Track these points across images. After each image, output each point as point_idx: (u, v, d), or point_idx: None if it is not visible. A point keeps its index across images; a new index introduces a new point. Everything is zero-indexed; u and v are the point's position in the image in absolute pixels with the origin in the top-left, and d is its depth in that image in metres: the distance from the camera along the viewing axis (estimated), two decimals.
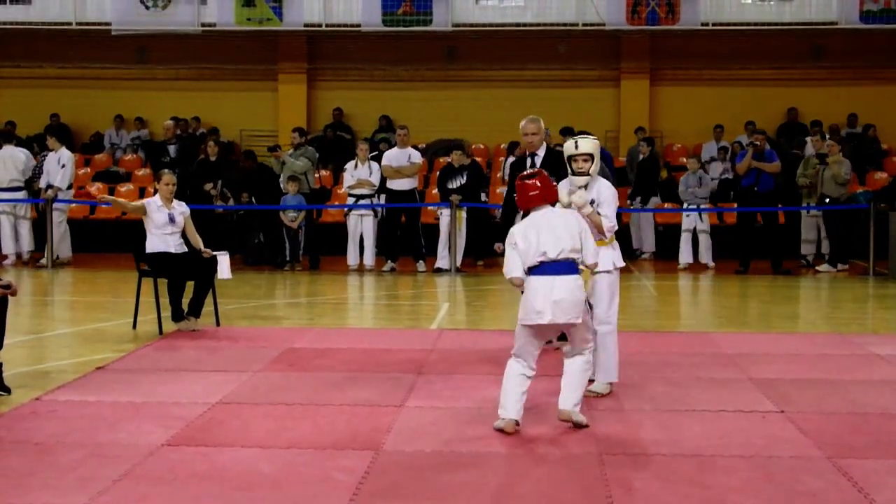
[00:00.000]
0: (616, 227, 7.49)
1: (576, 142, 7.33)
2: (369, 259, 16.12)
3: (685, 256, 16.52)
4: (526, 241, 6.36)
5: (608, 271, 7.38)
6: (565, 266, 6.33)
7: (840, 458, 5.85)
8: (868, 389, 7.65)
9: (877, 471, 5.62)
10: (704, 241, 16.50)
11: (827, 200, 16.07)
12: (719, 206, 18.08)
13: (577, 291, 6.31)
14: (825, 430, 6.46)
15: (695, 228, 16.56)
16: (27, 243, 16.94)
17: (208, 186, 16.64)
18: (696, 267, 16.33)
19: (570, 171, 7.36)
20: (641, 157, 18.01)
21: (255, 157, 17.42)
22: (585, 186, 7.28)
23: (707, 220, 16.61)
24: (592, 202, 7.27)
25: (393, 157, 16.24)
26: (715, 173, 18.89)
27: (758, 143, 15.87)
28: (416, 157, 16.30)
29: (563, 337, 7.30)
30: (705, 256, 16.46)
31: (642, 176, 17.85)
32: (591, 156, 7.29)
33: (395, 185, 16.19)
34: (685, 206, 16.66)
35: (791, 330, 10.76)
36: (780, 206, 16.13)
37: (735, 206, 18.06)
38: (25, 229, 16.93)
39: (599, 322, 7.38)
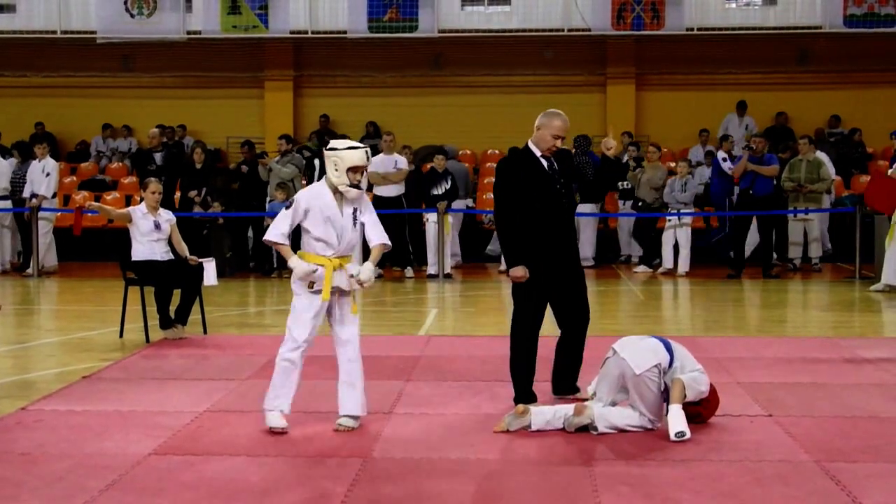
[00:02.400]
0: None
1: (367, 153, 6.71)
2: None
3: (666, 262, 16.49)
4: None
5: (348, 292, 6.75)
6: None
7: (829, 461, 5.85)
8: (856, 393, 7.66)
9: (865, 475, 5.62)
10: (683, 248, 16.39)
11: (640, 204, 16.57)
12: (706, 210, 18.09)
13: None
14: (814, 434, 6.46)
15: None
16: (9, 253, 16.91)
17: (192, 194, 16.61)
18: (671, 273, 16.27)
19: (347, 184, 6.60)
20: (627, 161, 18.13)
21: (253, 148, 17.44)
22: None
23: (686, 226, 16.48)
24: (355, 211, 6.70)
25: (379, 163, 16.23)
26: (701, 178, 18.90)
27: (754, 146, 15.88)
28: (403, 163, 16.29)
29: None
30: (681, 264, 16.29)
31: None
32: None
33: (382, 191, 16.18)
34: (668, 210, 16.64)
35: (779, 334, 10.77)
36: (772, 210, 16.10)
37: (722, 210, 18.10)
38: (7, 239, 16.90)
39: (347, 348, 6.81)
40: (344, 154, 6.61)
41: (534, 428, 6.49)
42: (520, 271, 6.95)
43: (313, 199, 6.64)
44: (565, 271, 7.12)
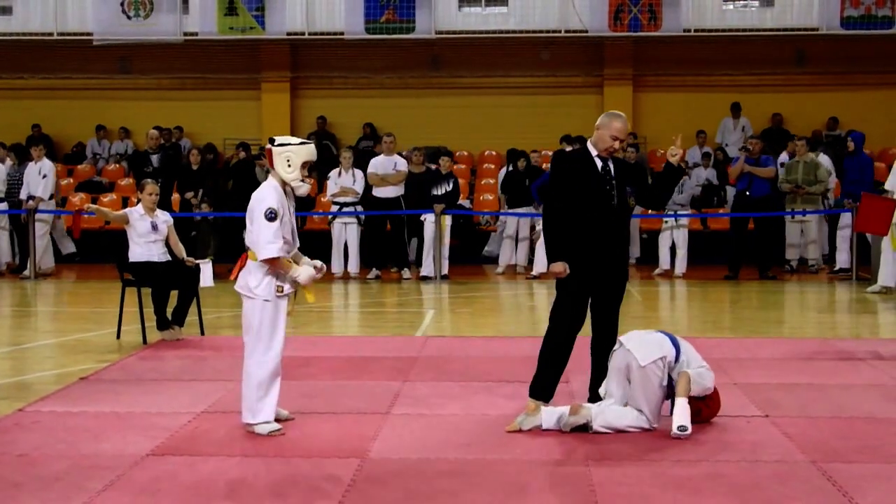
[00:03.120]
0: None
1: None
2: (354, 267, 16.10)
3: (663, 263, 16.53)
4: None
5: (250, 297, 6.63)
6: None
7: (825, 462, 5.86)
8: (852, 394, 7.68)
9: (861, 475, 5.63)
10: (680, 249, 16.42)
11: None
12: (703, 211, 18.11)
13: None
14: (810, 435, 6.47)
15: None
16: (6, 254, 16.90)
17: (189, 195, 16.60)
18: (669, 274, 16.31)
19: (300, 179, 6.66)
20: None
21: (249, 150, 17.48)
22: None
23: (684, 227, 16.50)
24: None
25: (379, 164, 16.23)
26: (698, 179, 18.93)
27: (751, 147, 15.89)
28: (402, 164, 16.29)
29: None
30: (679, 265, 16.32)
31: None
32: None
33: (381, 192, 16.18)
34: (665, 211, 16.65)
35: (776, 335, 10.78)
36: (768, 211, 16.10)
37: (719, 212, 18.13)
38: (4, 240, 16.89)
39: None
40: (298, 149, 6.60)
41: (545, 427, 6.51)
42: (559, 267, 6.83)
43: (280, 202, 6.56)
44: (607, 274, 6.91)
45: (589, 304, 6.97)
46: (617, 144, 6.91)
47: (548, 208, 7.03)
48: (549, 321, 6.97)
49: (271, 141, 6.67)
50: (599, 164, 6.93)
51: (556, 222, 6.91)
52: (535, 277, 15.55)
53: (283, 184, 6.61)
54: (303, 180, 6.62)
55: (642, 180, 7.22)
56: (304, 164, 6.60)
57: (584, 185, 6.86)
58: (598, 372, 6.97)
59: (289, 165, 6.57)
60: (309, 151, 6.63)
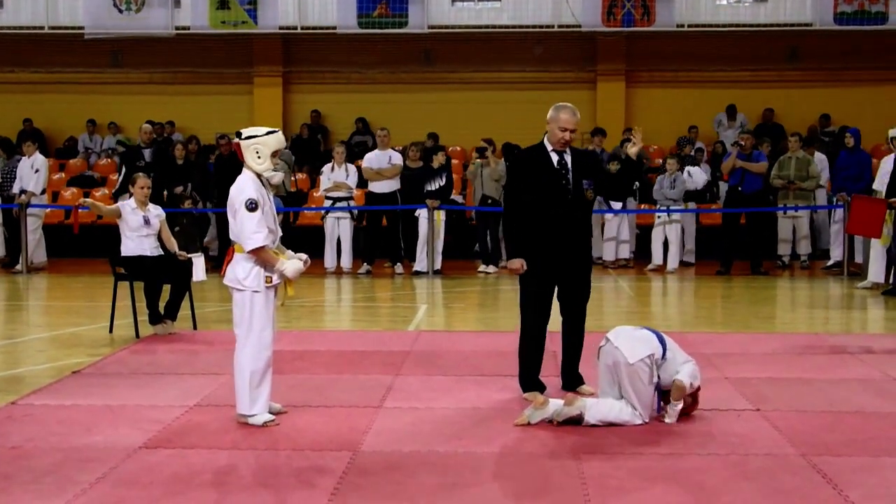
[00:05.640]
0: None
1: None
2: (347, 262, 16.10)
3: (655, 258, 16.53)
4: None
5: (240, 289, 6.58)
6: None
7: (815, 455, 5.89)
8: (842, 388, 7.71)
9: (850, 468, 5.67)
10: (672, 245, 16.43)
11: (489, 201, 16.06)
12: (697, 207, 18.12)
13: None
14: (800, 428, 6.50)
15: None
16: None
17: (178, 190, 16.59)
18: (661, 269, 16.34)
19: (272, 169, 6.70)
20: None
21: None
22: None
23: (676, 223, 16.51)
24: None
25: (373, 158, 16.22)
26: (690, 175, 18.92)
27: (743, 143, 15.91)
28: (397, 158, 16.28)
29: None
30: (671, 260, 16.36)
31: None
32: None
33: (376, 187, 16.17)
34: (657, 207, 16.67)
35: (767, 330, 10.81)
36: (760, 207, 16.12)
37: (711, 207, 18.14)
38: None
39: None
40: (266, 139, 6.62)
41: (536, 420, 6.54)
42: (516, 264, 7.10)
43: (259, 192, 6.57)
44: (569, 265, 7.15)
45: (556, 295, 7.21)
46: (568, 136, 7.12)
47: (505, 205, 7.28)
48: (520, 317, 7.25)
49: (238, 135, 6.68)
50: (555, 158, 7.13)
51: (514, 219, 7.16)
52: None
53: (258, 175, 6.64)
54: (275, 169, 6.67)
55: (600, 171, 7.45)
56: (274, 154, 6.64)
57: (538, 180, 7.05)
58: (568, 359, 7.34)
59: (258, 157, 6.61)
60: (277, 140, 6.67)
